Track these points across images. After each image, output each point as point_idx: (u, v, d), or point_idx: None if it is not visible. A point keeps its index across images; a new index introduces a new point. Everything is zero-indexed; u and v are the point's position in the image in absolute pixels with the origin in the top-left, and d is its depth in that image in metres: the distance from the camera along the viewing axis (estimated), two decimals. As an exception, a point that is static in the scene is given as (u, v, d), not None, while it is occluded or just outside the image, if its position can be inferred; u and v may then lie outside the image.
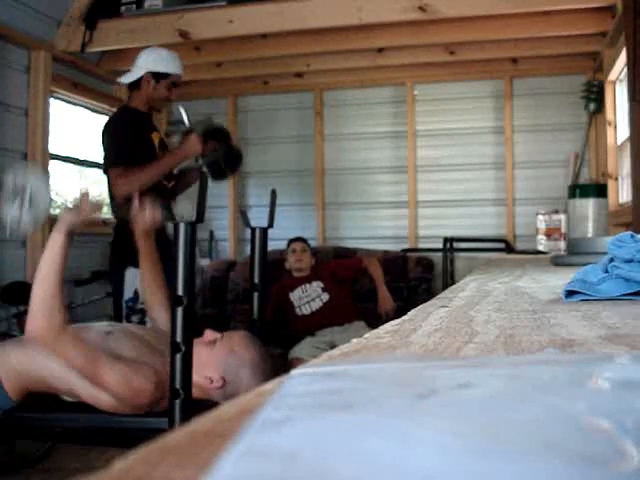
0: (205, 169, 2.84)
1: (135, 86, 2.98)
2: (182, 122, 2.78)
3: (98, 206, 1.84)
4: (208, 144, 2.83)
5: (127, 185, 2.74)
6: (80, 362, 1.70)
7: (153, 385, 1.73)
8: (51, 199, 1.73)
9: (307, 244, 4.11)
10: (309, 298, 3.90)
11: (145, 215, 2.04)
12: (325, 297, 3.88)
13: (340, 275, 4.00)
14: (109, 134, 2.88)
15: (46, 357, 1.79)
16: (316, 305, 3.87)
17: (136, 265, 2.75)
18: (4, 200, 1.65)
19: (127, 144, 2.81)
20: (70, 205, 1.82)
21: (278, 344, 3.78)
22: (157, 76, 2.94)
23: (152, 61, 2.96)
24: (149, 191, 2.69)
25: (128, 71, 3.03)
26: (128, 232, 2.85)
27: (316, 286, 3.92)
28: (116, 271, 2.82)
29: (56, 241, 1.77)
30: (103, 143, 2.88)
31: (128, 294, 2.76)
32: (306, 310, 3.88)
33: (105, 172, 2.86)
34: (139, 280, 2.74)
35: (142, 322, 2.70)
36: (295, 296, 3.93)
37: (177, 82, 3.03)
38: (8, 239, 3.71)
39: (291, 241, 4.12)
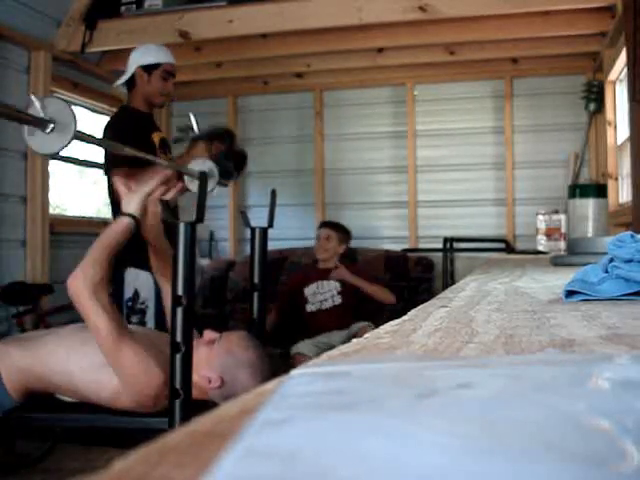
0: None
1: (132, 85, 2.98)
2: (191, 128, 2.77)
3: (173, 178, 1.81)
4: (213, 147, 2.81)
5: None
6: (107, 328, 1.69)
7: (164, 376, 1.73)
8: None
9: (336, 229, 3.86)
10: (322, 297, 3.79)
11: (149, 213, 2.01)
12: (337, 300, 3.78)
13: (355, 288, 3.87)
14: (108, 136, 2.87)
15: (47, 353, 1.80)
16: (327, 304, 3.78)
17: (136, 265, 2.75)
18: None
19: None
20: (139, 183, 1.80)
21: (278, 343, 3.78)
22: (147, 69, 2.94)
23: (140, 56, 2.97)
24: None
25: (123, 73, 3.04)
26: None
27: (333, 287, 3.79)
28: (116, 271, 2.82)
29: (120, 223, 1.78)
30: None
31: (128, 294, 2.76)
32: (314, 307, 3.79)
33: (106, 173, 2.86)
34: (140, 280, 2.74)
35: (142, 322, 2.70)
36: (309, 290, 3.80)
37: (173, 72, 3.00)
38: (9, 239, 3.71)
39: (319, 226, 3.93)
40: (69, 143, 1.47)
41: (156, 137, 2.97)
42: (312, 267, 3.85)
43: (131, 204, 1.80)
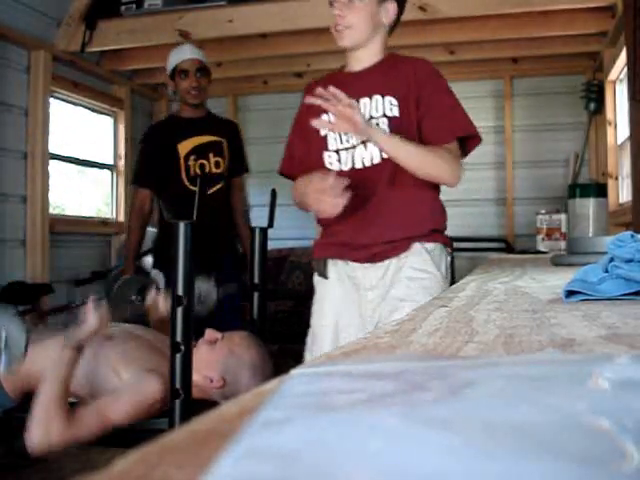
0: None
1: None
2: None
3: (105, 318, 1.76)
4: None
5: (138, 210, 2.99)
6: (91, 430, 1.67)
7: (162, 392, 1.72)
8: (27, 341, 1.76)
9: None
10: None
11: (160, 306, 2.03)
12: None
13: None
14: (140, 147, 3.11)
15: (48, 356, 1.79)
16: (369, 157, 1.77)
17: (158, 267, 2.80)
18: None
19: (149, 162, 3.00)
20: (78, 321, 1.75)
21: (275, 340, 3.75)
22: (171, 76, 3.02)
23: (166, 67, 3.07)
24: (171, 194, 2.79)
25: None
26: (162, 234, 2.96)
27: (385, 106, 1.79)
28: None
29: (65, 356, 1.69)
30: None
31: None
32: (345, 163, 1.78)
33: (132, 183, 3.18)
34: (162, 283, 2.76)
35: None
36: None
37: (188, 68, 2.97)
38: (9, 239, 3.71)
39: None
40: None
41: (183, 146, 2.96)
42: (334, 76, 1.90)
43: (75, 338, 1.72)
